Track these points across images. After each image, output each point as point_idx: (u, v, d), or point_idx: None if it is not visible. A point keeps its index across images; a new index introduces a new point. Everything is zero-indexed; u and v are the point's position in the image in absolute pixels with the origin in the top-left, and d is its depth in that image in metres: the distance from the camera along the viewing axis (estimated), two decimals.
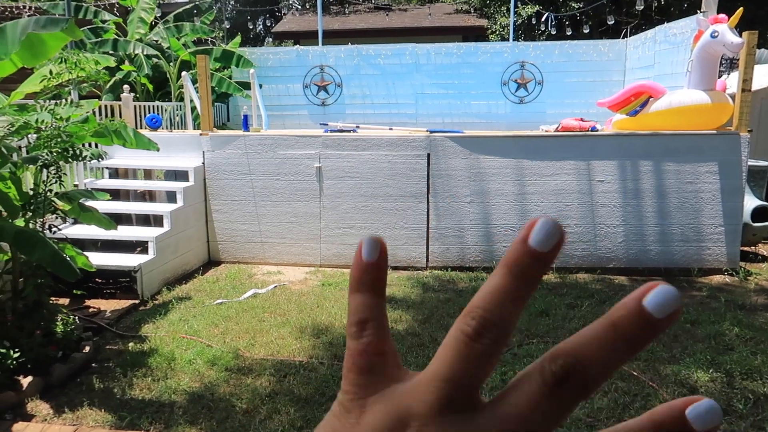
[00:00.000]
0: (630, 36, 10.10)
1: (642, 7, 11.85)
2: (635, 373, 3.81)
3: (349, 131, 7.01)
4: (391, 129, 7.47)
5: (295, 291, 5.64)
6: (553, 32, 13.38)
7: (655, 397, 3.50)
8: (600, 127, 6.70)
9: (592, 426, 3.19)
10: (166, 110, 8.74)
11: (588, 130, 6.34)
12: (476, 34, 15.26)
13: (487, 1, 16.36)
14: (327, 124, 8.09)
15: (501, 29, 15.59)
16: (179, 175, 6.65)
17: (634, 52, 9.36)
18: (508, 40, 13.73)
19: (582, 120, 6.57)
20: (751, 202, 6.48)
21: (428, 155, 6.25)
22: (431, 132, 6.51)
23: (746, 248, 6.78)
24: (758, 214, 6.51)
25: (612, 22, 12.73)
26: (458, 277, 6.08)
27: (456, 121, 10.09)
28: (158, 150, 5.05)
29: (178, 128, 8.82)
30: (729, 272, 6.12)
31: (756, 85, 6.30)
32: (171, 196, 6.42)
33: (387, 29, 15.73)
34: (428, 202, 6.33)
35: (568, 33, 13.39)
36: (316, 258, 6.55)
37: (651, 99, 6.21)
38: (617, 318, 0.25)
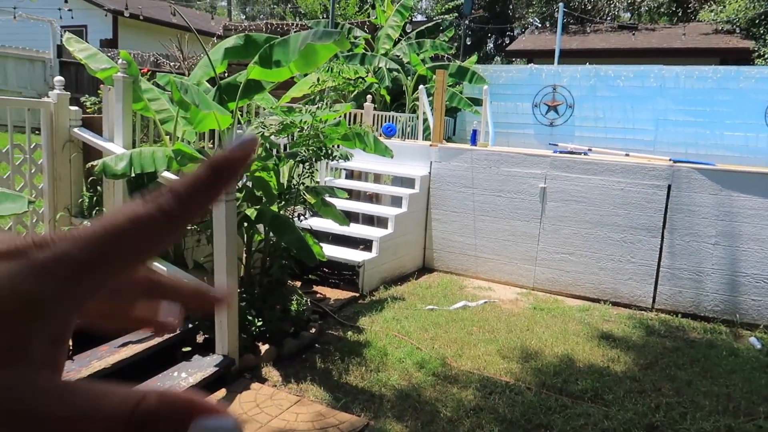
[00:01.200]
0: None
1: None
2: None
3: (580, 154, 6.71)
4: (627, 155, 6.98)
5: (505, 310, 5.55)
6: None
7: None
8: None
9: None
10: (399, 120, 9.30)
11: None
12: (738, 58, 13.50)
13: (757, 21, 14.36)
14: (557, 145, 7.86)
15: None
16: (405, 182, 7.01)
17: None
18: None
19: None
20: None
21: (669, 186, 5.68)
22: (675, 161, 5.91)
23: None
24: None
25: None
26: (690, 326, 5.40)
27: (702, 152, 9.03)
28: (392, 157, 5.39)
29: (409, 138, 9.32)
30: None
31: None
32: (396, 201, 6.80)
33: (630, 50, 14.74)
34: (662, 238, 5.74)
35: None
36: (529, 280, 6.38)
37: None
38: (210, 158, 0.29)
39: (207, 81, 4.71)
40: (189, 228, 4.39)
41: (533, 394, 3.77)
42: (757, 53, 13.96)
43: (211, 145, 5.33)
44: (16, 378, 0.24)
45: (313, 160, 4.43)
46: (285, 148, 5.67)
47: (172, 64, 12.50)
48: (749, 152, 8.87)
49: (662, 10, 20.14)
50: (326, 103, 4.73)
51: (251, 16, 35.94)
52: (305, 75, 5.07)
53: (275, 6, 32.48)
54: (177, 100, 3.90)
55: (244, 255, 4.70)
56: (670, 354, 4.64)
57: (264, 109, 5.22)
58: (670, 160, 6.13)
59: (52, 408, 0.24)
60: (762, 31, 14.31)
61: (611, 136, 9.75)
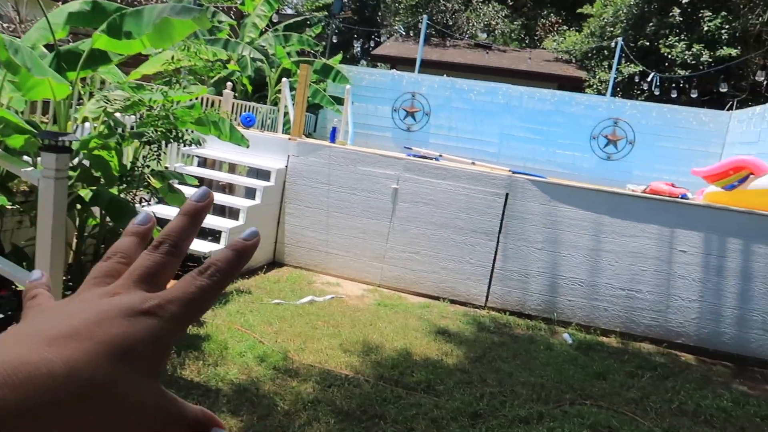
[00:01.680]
0: (735, 109, 9.67)
1: (763, 79, 11.36)
2: None
3: (432, 158, 7.06)
4: (473, 163, 7.48)
5: (351, 305, 5.68)
6: (656, 93, 13.01)
7: None
8: (691, 195, 6.42)
9: None
10: (260, 111, 9.12)
11: (678, 197, 6.09)
12: (573, 85, 15.06)
13: (590, 54, 16.14)
14: (411, 148, 8.19)
15: (599, 84, 15.32)
16: (261, 174, 6.89)
17: (738, 126, 8.96)
18: (604, 95, 13.48)
19: (673, 185, 6.33)
20: None
21: (506, 195, 6.19)
22: (514, 172, 6.45)
23: None
24: None
25: (724, 89, 12.25)
26: (515, 322, 5.94)
27: (538, 167, 9.95)
28: (248, 146, 5.28)
29: (268, 130, 9.17)
30: None
31: None
32: (250, 193, 6.66)
33: (484, 67, 15.80)
34: (498, 242, 6.24)
35: (673, 96, 12.99)
36: (376, 277, 6.58)
37: (751, 176, 5.90)
38: (183, 208, 0.41)
39: (45, 47, 4.26)
40: (9, 207, 3.94)
41: (371, 386, 3.90)
42: (587, 83, 15.71)
43: (46, 119, 4.83)
44: (160, 388, 0.35)
45: (162, 142, 4.19)
46: (132, 129, 5.30)
47: (5, 25, 11.11)
48: (576, 170, 9.95)
49: (513, 35, 21.87)
50: (181, 84, 4.50)
51: None
52: (159, 52, 4.78)
53: None
54: (4, 60, 3.47)
55: (75, 240, 4.32)
56: (496, 348, 5.05)
57: (110, 83, 4.83)
58: (509, 170, 6.68)
59: (171, 407, 0.36)
60: (593, 64, 16.14)
61: (462, 145, 10.39)
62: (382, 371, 4.19)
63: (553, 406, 4.04)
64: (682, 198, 6.08)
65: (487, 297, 6.30)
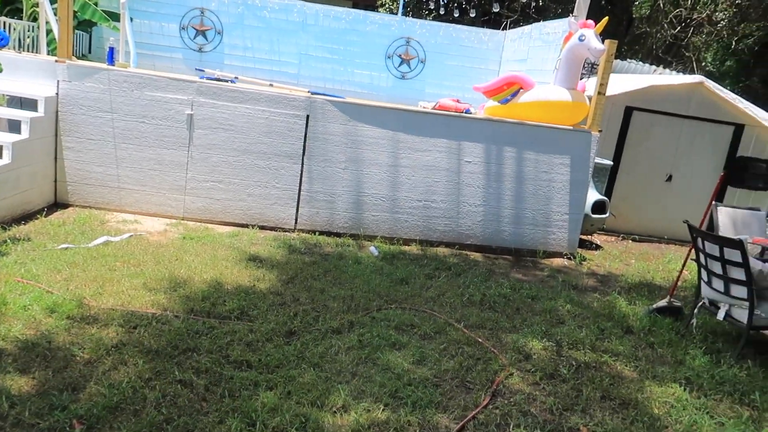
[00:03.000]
0: (509, 29, 10.64)
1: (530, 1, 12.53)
2: (480, 340, 4.11)
3: (227, 81, 6.69)
4: (271, 85, 7.27)
5: (153, 242, 5.34)
6: (441, 12, 13.71)
7: (495, 361, 3.81)
8: (473, 110, 7.02)
9: (438, 385, 3.41)
10: (15, 29, 7.73)
11: (462, 112, 6.62)
12: (366, 4, 15.18)
13: None
14: (204, 71, 7.67)
15: (391, 3, 15.66)
16: (26, 103, 5.94)
17: (511, 45, 9.88)
18: (396, 14, 13.85)
19: (458, 101, 6.85)
20: (592, 195, 7.21)
21: (307, 117, 6.17)
22: (313, 93, 6.42)
23: (584, 236, 7.55)
24: (597, 207, 7.26)
25: (497, 9, 13.31)
26: (325, 242, 6.13)
27: (338, 87, 10.02)
28: (1, 71, 4.47)
29: (29, 51, 7.85)
30: (568, 256, 6.79)
31: (609, 91, 6.95)
32: (14, 126, 5.72)
33: None
34: (303, 164, 6.26)
35: (456, 15, 13.79)
36: (179, 210, 6.23)
37: (521, 90, 6.62)
38: None
39: None
40: None
41: (181, 322, 3.77)
42: (380, 2, 15.96)
43: None
44: None
45: None
46: None
47: None
48: (374, 89, 10.22)
49: None
50: None
51: None
52: None
53: None
54: None
55: None
56: (308, 268, 5.19)
57: None
58: (308, 91, 6.63)
59: None
60: None
61: (260, 66, 9.98)
62: (192, 305, 4.07)
63: (362, 314, 4.31)
64: (466, 113, 6.63)
65: (296, 220, 6.36)
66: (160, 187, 6.18)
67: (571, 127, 6.59)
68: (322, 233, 6.37)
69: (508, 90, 6.65)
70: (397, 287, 4.99)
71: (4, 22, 7.58)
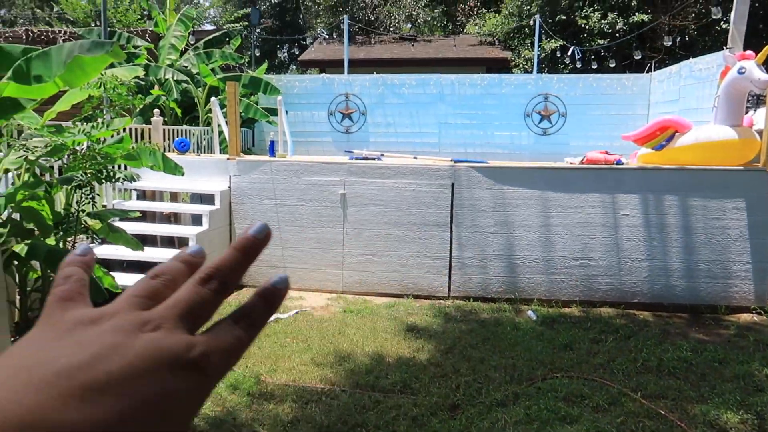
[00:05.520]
0: (654, 70, 10.11)
1: (669, 44, 11.89)
2: (662, 412, 3.72)
3: (374, 159, 7.08)
4: (415, 158, 7.54)
5: (317, 317, 5.64)
6: (578, 66, 13.45)
7: None
8: (625, 160, 6.68)
9: None
10: (193, 134, 8.92)
11: (613, 164, 6.32)
12: (500, 66, 15.39)
13: (511, 34, 16.53)
14: (352, 152, 8.18)
15: (524, 62, 15.72)
16: (205, 198, 6.74)
17: (658, 87, 9.36)
18: (531, 72, 13.83)
19: (607, 153, 6.57)
20: None
21: (452, 185, 6.27)
22: (456, 161, 6.55)
23: None
24: None
25: (639, 57, 12.77)
26: (480, 308, 6.04)
27: (479, 151, 10.14)
28: (183, 174, 5.16)
29: (205, 152, 8.98)
30: (757, 311, 5.99)
31: None
32: (196, 219, 6.51)
33: (412, 59, 15.94)
34: (451, 231, 6.32)
35: (594, 67, 13.45)
36: (338, 284, 6.56)
37: (677, 134, 6.19)
38: (238, 242, 0.40)
39: None
40: None
41: (348, 396, 3.89)
42: (513, 63, 16.09)
43: None
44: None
45: (93, 183, 4.04)
46: (60, 171, 5.09)
47: None
48: (515, 149, 10.18)
49: (436, 23, 22.15)
50: (102, 121, 4.34)
51: (8, 21, 31.45)
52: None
53: (38, 10, 28.86)
54: None
55: (18, 297, 4.12)
56: (465, 336, 5.13)
57: (28, 128, 4.62)
58: (451, 160, 6.78)
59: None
60: (516, 43, 16.54)
61: (402, 140, 10.46)
62: (357, 378, 4.19)
63: (526, 385, 4.13)
64: (617, 164, 6.32)
65: (449, 287, 6.38)
66: (320, 264, 6.57)
67: (741, 167, 5.98)
68: (476, 299, 6.30)
69: (662, 135, 6.25)
70: (560, 354, 4.74)
71: (186, 130, 8.78)
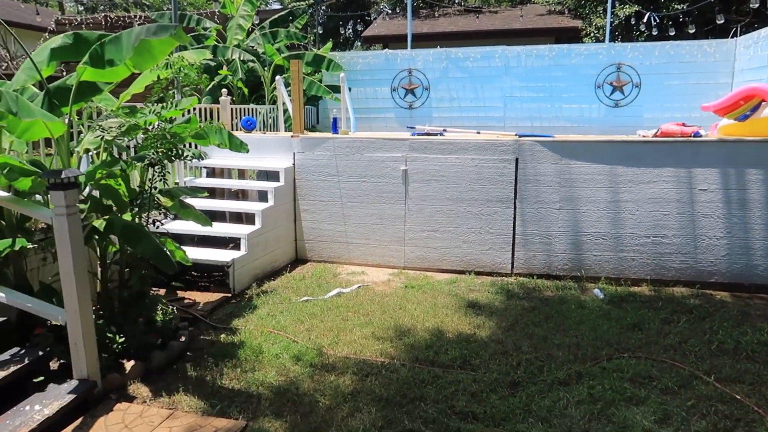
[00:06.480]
0: (740, 35, 9.40)
1: (757, 5, 11.01)
2: (738, 397, 3.54)
3: (436, 135, 7.01)
4: (478, 133, 7.40)
5: (379, 292, 5.70)
6: (654, 33, 12.71)
7: (760, 423, 3.23)
8: (704, 132, 6.29)
9: None
10: (259, 113, 9.12)
11: (690, 136, 5.96)
12: (569, 36, 14.77)
13: (582, 2, 15.79)
14: (414, 128, 8.13)
15: (596, 31, 15.00)
16: (270, 175, 6.91)
17: (744, 53, 8.72)
18: (603, 42, 13.19)
19: (684, 125, 6.20)
20: None
21: (516, 160, 6.12)
22: (520, 136, 6.37)
23: None
24: None
25: (721, 21, 11.90)
26: (544, 285, 5.91)
27: (546, 125, 9.83)
28: (248, 151, 5.29)
29: (270, 130, 9.17)
30: None
31: None
32: (262, 196, 6.69)
33: (477, 32, 15.57)
34: (515, 208, 6.19)
35: (672, 33, 12.67)
36: (399, 260, 6.59)
37: (763, 103, 5.75)
38: None
39: (38, 84, 4.29)
40: (31, 246, 4.00)
41: (407, 370, 3.93)
42: (584, 32, 15.38)
43: (51, 151, 4.87)
44: None
45: (164, 162, 4.21)
46: (135, 151, 5.34)
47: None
48: (584, 122, 9.80)
49: None
50: (171, 102, 4.51)
51: (90, 8, 33.06)
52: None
53: None
54: None
55: (99, 269, 4.38)
56: (528, 314, 5.04)
57: (106, 110, 4.86)
58: (516, 135, 6.60)
59: None
60: (587, 11, 15.78)
61: (466, 115, 10.29)
62: (416, 353, 4.21)
63: (591, 364, 4.03)
64: (694, 136, 5.96)
65: (512, 264, 6.27)
66: (381, 240, 6.62)
67: None
68: (540, 276, 6.17)
69: (747, 105, 5.82)
70: (628, 334, 4.58)
71: (252, 108, 8.99)
